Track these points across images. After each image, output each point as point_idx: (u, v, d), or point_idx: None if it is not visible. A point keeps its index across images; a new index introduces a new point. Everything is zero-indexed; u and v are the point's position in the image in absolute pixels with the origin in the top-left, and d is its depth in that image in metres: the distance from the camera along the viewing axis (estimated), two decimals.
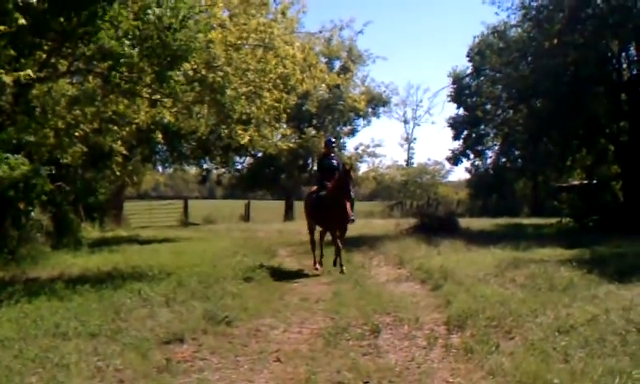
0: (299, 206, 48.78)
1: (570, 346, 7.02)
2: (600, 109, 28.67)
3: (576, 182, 33.93)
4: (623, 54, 28.52)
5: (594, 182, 30.00)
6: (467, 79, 48.01)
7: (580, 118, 27.29)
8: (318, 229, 16.12)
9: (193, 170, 41.46)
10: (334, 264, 15.24)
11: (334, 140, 17.07)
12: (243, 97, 16.56)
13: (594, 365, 6.27)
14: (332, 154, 16.46)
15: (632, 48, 28.08)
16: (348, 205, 14.94)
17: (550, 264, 13.18)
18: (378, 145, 47.48)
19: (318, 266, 15.56)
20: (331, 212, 14.97)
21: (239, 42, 16.74)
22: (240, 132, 18.17)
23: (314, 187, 16.67)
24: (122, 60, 12.68)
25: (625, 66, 28.98)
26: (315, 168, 17.60)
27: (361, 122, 45.73)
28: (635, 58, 28.29)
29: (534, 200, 49.95)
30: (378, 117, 48.52)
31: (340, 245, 15.10)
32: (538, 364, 6.43)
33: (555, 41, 26.68)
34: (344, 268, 14.78)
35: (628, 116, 27.69)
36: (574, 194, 31.21)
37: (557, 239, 19.63)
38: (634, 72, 28.33)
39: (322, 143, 19.49)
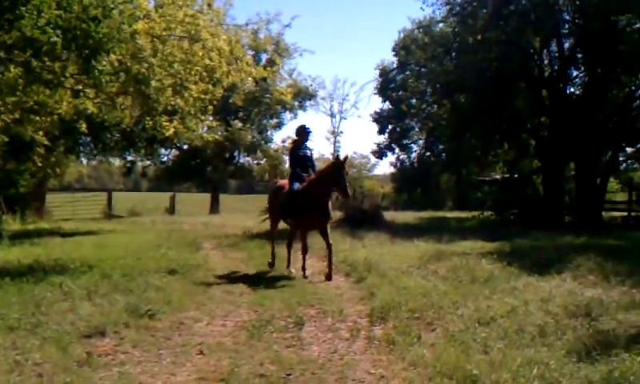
0: (225, 199, 48.73)
1: (489, 338, 7.14)
2: (522, 104, 29.27)
3: (498, 176, 34.63)
4: (545, 50, 29.15)
5: (516, 176, 30.64)
6: (393, 73, 48.46)
7: (502, 113, 27.80)
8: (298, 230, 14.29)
9: (117, 162, 40.76)
10: (328, 275, 12.82)
11: (309, 127, 14.51)
12: (169, 88, 16.35)
13: (513, 355, 6.39)
14: (306, 144, 14.28)
15: (553, 44, 28.72)
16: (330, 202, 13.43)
17: (472, 256, 13.38)
18: None
19: (292, 269, 13.70)
20: (315, 209, 13.01)
21: (165, 33, 16.49)
22: (165, 124, 17.94)
23: (281, 181, 15.50)
24: (44, 49, 12.37)
25: (546, 62, 29.65)
26: (288, 159, 15.90)
27: (287, 115, 45.70)
28: (556, 55, 28.94)
29: (458, 193, 50.66)
30: (305, 110, 48.54)
31: (331, 243, 13.26)
32: (458, 355, 6.52)
33: (479, 37, 27.11)
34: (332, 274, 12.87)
35: (548, 111, 28.33)
36: (495, 188, 31.83)
37: (479, 232, 19.94)
38: (555, 68, 28.97)
39: (293, 137, 16.67)
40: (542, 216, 24.28)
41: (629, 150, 30.31)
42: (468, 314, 8.32)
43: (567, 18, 27.78)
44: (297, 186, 13.46)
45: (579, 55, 28.59)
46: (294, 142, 14.72)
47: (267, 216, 15.71)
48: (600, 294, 9.19)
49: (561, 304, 8.53)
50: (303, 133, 14.32)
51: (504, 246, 15.69)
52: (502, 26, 26.94)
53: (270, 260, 14.55)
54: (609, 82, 26.67)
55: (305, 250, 13.46)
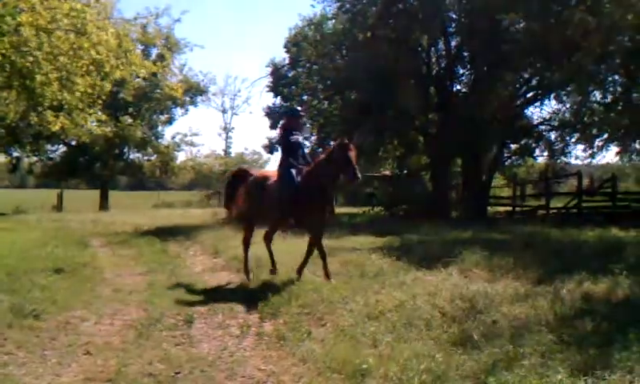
0: (115, 196, 47.81)
1: (378, 332, 7.22)
2: (410, 102, 29.79)
3: (388, 172, 35.14)
4: (432, 48, 29.80)
5: (405, 172, 31.17)
6: (284, 70, 48.54)
7: (392, 110, 28.22)
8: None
9: (2, 159, 39.46)
10: (327, 276, 11.02)
11: (300, 109, 13.00)
12: (55, 82, 15.89)
13: (401, 349, 6.47)
14: (297, 130, 12.16)
15: (440, 43, 29.38)
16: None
17: (362, 252, 13.52)
18: (196, 134, 47.20)
19: (251, 275, 12.01)
20: (316, 206, 11.17)
21: (50, 25, 16.01)
22: (51, 119, 17.45)
23: (259, 172, 13.13)
24: None
25: (434, 60, 30.31)
26: (279, 146, 12.76)
27: (178, 110, 45.28)
28: (443, 53, 29.61)
29: (348, 189, 51.04)
30: (196, 106, 48.17)
31: (325, 249, 11.40)
32: (347, 350, 6.56)
33: (369, 34, 27.42)
34: (332, 278, 10.94)
35: (436, 109, 28.96)
36: (385, 184, 32.30)
37: (369, 227, 20.19)
38: (442, 66, 29.63)
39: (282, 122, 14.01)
40: (430, 211, 24.79)
41: (513, 146, 31.28)
42: (358, 308, 8.37)
43: (454, 16, 28.50)
44: (296, 177, 11.38)
45: (465, 53, 29.37)
46: (284, 126, 12.47)
47: (241, 217, 13.15)
48: (485, 287, 9.42)
49: (447, 297, 8.70)
50: (294, 116, 12.55)
51: (393, 241, 15.91)
52: (391, 24, 27.39)
53: (271, 267, 12.05)
54: (494, 80, 27.44)
55: (323, 254, 11.23)
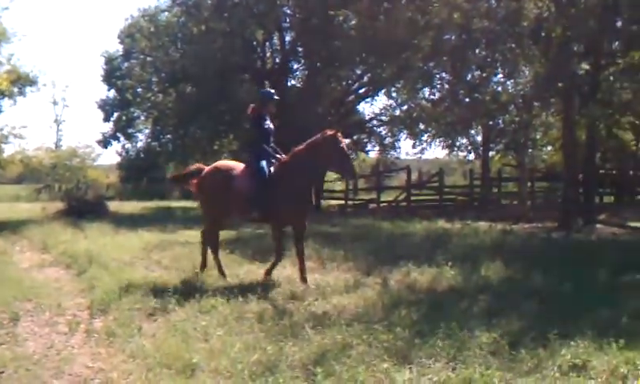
0: None
1: (210, 325, 7.21)
2: (245, 95, 29.90)
3: None
4: (267, 43, 30.01)
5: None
6: (118, 61, 47.56)
7: (226, 104, 28.22)
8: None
9: None
10: (304, 278, 9.92)
11: (273, 92, 11.42)
12: None
13: (232, 342, 6.49)
14: (268, 115, 10.81)
15: (275, 38, 29.64)
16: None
17: (195, 246, 13.39)
18: (25, 126, 45.22)
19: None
20: (301, 199, 10.32)
21: None
22: None
23: (222, 163, 11.44)
24: None
25: (269, 54, 30.54)
26: (254, 131, 10.83)
27: (6, 101, 43.25)
28: (278, 48, 29.90)
29: None
30: (25, 96, 46.20)
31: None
32: (178, 344, 6.51)
33: (203, 27, 27.30)
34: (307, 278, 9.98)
35: None
36: None
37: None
38: (277, 61, 29.90)
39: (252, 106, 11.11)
40: None
41: (346, 141, 31.98)
42: (189, 303, 8.34)
43: (289, 12, 28.81)
44: (267, 167, 10.29)
45: (300, 49, 29.75)
46: (255, 111, 10.81)
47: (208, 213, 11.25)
48: (317, 279, 9.65)
49: (280, 290, 8.81)
50: (268, 100, 10.93)
51: (228, 234, 15.93)
52: (226, 17, 27.33)
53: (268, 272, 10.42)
54: (327, 76, 27.96)
55: (280, 256, 10.42)
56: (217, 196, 10.50)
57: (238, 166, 10.75)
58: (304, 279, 9.81)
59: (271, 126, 10.77)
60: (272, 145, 10.61)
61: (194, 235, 15.52)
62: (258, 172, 10.21)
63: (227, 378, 5.67)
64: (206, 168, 11.13)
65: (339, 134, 10.09)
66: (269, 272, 10.13)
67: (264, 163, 10.23)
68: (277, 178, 10.12)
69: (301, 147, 10.30)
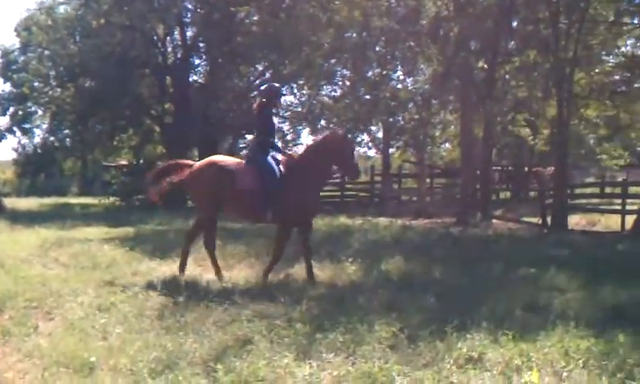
0: None
1: (109, 323, 7.11)
2: (146, 90, 29.59)
3: (124, 162, 34.59)
4: (169, 37, 29.72)
5: (142, 161, 30.81)
6: (15, 55, 46.28)
7: (126, 99, 27.85)
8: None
9: None
10: (311, 276, 9.81)
11: (278, 86, 11.11)
12: None
13: (132, 340, 6.42)
14: (273, 110, 10.61)
15: (176, 32, 29.38)
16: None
17: (95, 243, 13.26)
18: None
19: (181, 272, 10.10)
20: (311, 199, 10.18)
21: None
22: None
23: (217, 158, 10.74)
24: None
25: (170, 49, 30.25)
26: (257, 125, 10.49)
27: None
28: (179, 43, 29.64)
29: (83, 179, 49.68)
30: None
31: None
32: (76, 343, 6.39)
33: (103, 21, 26.82)
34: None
35: (172, 98, 28.93)
36: (121, 174, 31.77)
37: (104, 218, 19.86)
38: (178, 56, 29.64)
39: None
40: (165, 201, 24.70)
41: (249, 137, 31.98)
42: (88, 301, 8.19)
43: (190, 6, 28.61)
44: (276, 166, 9.88)
45: (201, 44, 29.58)
46: (261, 105, 10.24)
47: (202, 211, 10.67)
48: (218, 276, 9.67)
49: (181, 286, 8.77)
50: (275, 94, 10.58)
51: (128, 231, 15.74)
52: (126, 11, 26.92)
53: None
54: (229, 72, 27.88)
55: (279, 257, 10.09)
56: (214, 193, 9.92)
57: (236, 161, 10.37)
58: (311, 277, 9.71)
59: (275, 123, 10.69)
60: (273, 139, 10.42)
61: (95, 232, 15.34)
62: (267, 170, 9.80)
63: (126, 376, 5.60)
64: (199, 162, 10.73)
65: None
66: (266, 273, 9.77)
67: (271, 160, 9.86)
68: (290, 177, 9.78)
69: (311, 146, 10.40)
